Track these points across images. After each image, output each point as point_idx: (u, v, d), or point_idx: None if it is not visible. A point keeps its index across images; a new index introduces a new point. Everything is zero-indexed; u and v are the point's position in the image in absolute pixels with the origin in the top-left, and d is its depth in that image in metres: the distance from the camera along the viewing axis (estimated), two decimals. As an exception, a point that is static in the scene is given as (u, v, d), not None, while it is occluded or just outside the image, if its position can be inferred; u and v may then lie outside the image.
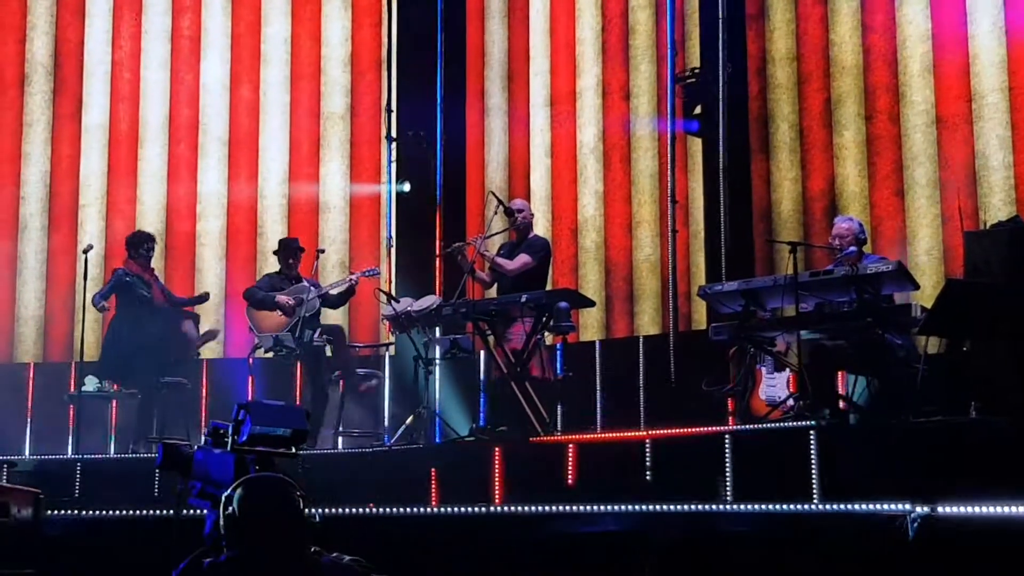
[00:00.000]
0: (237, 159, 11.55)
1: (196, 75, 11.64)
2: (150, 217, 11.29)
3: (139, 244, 9.51)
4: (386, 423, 9.66)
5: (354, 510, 5.72)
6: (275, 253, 9.41)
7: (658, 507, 5.66)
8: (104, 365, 9.53)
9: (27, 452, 9.66)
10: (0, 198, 11.45)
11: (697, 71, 9.95)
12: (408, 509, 5.81)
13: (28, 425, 10.09)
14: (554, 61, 11.18)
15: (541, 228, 10.01)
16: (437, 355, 8.45)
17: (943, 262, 9.09)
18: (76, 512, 5.64)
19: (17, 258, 11.36)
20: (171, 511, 5.34)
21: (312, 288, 9.00)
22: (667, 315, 10.01)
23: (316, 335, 8.95)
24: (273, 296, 9.00)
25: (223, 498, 3.51)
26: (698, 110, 9.92)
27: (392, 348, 9.86)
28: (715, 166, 9.69)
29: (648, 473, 6.57)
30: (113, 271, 9.49)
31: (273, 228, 11.37)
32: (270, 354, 8.96)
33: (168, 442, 5.67)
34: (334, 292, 9.16)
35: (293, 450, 5.69)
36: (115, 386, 9.37)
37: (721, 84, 9.65)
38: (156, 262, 10.51)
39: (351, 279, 9.16)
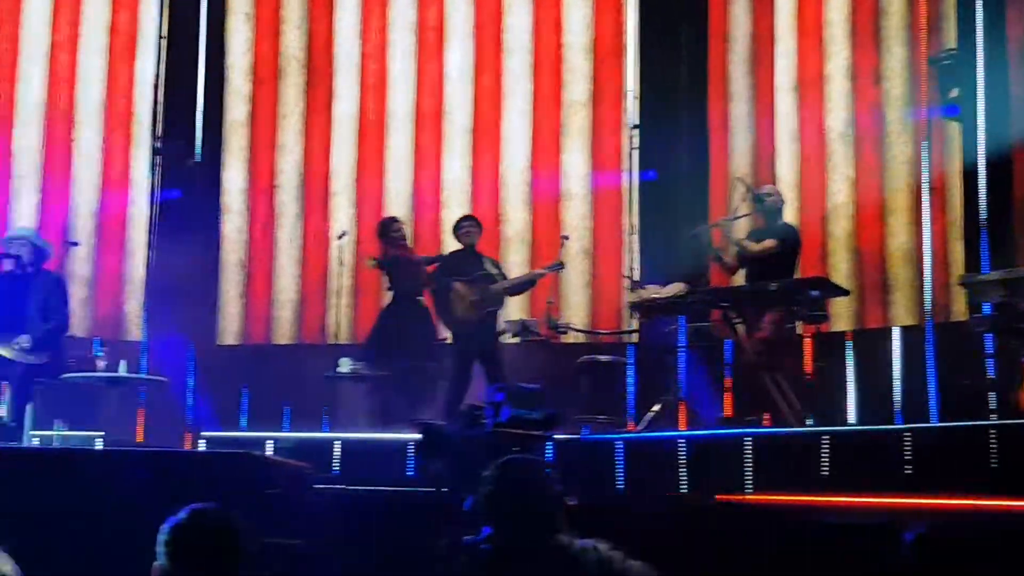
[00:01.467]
0: (480, 147, 11.72)
1: (440, 65, 11.86)
2: (397, 205, 11.58)
3: (385, 230, 9.90)
4: (631, 411, 9.63)
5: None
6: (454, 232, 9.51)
7: (916, 500, 5.47)
8: (367, 346, 9.93)
9: (287, 430, 10.05)
10: (258, 188, 11.97)
11: (953, 52, 9.53)
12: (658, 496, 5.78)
13: (287, 404, 10.47)
14: (800, 44, 10.90)
15: (789, 215, 9.78)
16: (682, 342, 8.39)
17: None
18: (338, 487, 5.82)
19: (274, 244, 11.84)
20: (429, 489, 5.48)
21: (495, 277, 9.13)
22: (923, 305, 9.65)
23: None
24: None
25: (482, 477, 3.56)
26: (955, 93, 9.50)
27: (635, 335, 9.83)
28: (973, 151, 9.27)
29: (907, 467, 6.34)
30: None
31: (515, 216, 11.49)
32: (516, 339, 9.07)
33: (425, 423, 5.81)
34: (515, 285, 9.28)
35: (547, 433, 5.76)
36: (369, 368, 9.68)
37: (979, 66, 9.22)
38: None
39: (537, 274, 9.25)
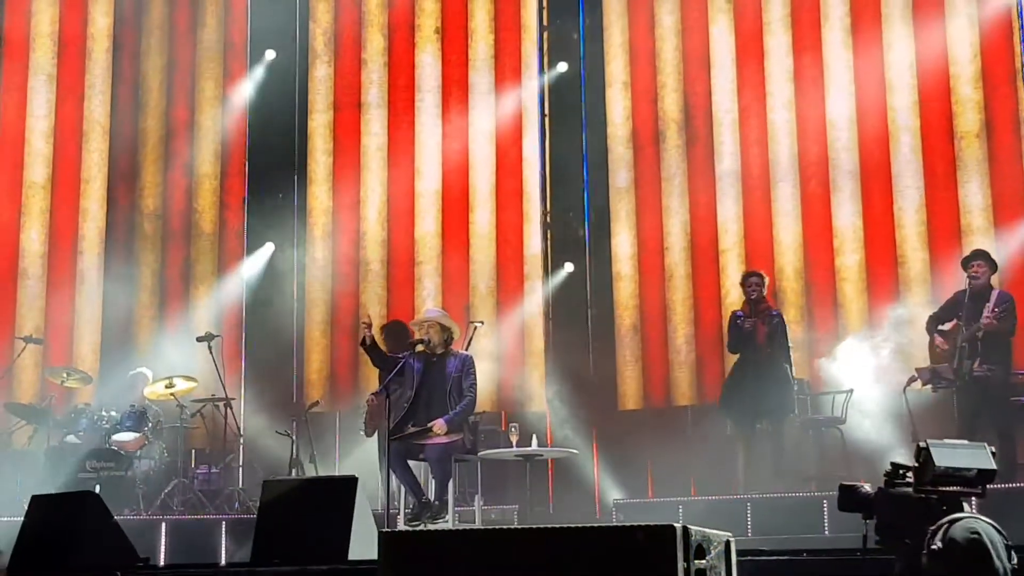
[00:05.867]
0: (869, 191, 11.28)
1: (822, 111, 11.55)
2: (788, 257, 11.35)
3: (743, 284, 9.75)
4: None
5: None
6: None
7: None
8: (722, 403, 9.79)
9: (691, 493, 9.98)
10: (647, 252, 12.06)
11: None
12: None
13: (689, 466, 10.41)
14: None
15: None
16: None
17: None
18: (758, 555, 5.67)
19: (666, 306, 11.87)
20: (854, 550, 5.24)
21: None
22: None
23: (976, 364, 8.43)
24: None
25: (929, 534, 3.35)
26: None
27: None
28: None
29: None
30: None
31: (913, 256, 10.97)
32: (927, 387, 8.60)
33: (847, 483, 5.56)
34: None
35: (980, 490, 5.35)
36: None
37: None
38: (798, 298, 10.58)
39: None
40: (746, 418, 9.57)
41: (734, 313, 9.87)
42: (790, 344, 9.71)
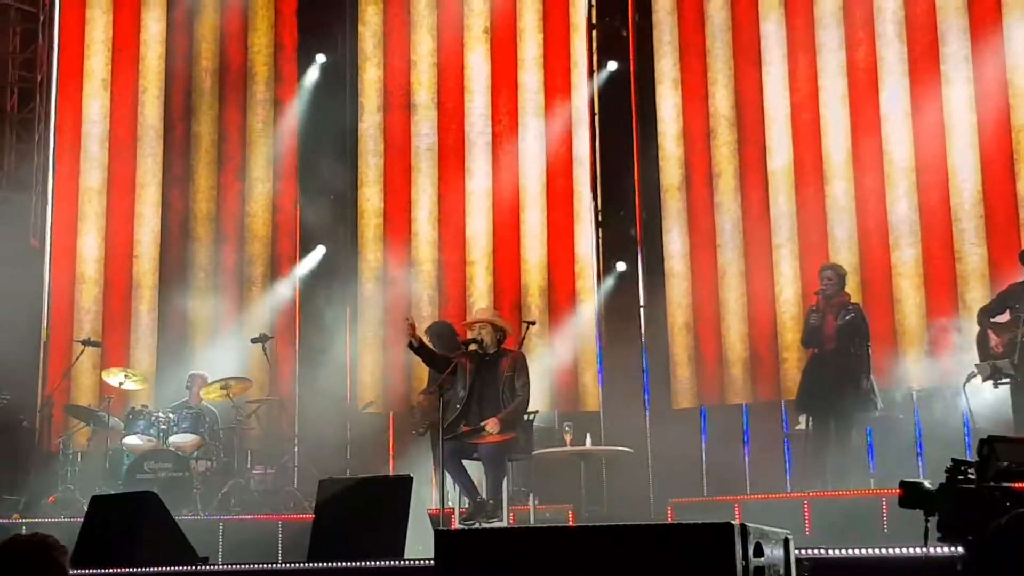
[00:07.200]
0: (925, 185, 11.14)
1: (876, 106, 11.43)
2: (842, 252, 11.23)
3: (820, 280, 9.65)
4: None
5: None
6: None
7: None
8: (799, 399, 9.69)
9: (747, 491, 9.92)
10: (699, 249, 12.00)
11: None
12: None
13: (746, 464, 10.35)
14: None
15: None
16: None
17: None
18: (814, 551, 5.61)
19: (719, 304, 11.80)
20: (917, 548, 5.18)
21: None
22: None
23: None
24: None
25: (990, 530, 3.30)
26: None
27: None
28: None
29: None
30: None
31: (970, 251, 10.82)
32: (988, 383, 8.49)
33: (908, 480, 5.49)
34: None
35: (1045, 486, 5.25)
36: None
37: None
38: (854, 294, 10.44)
39: None
40: (817, 414, 9.44)
41: (809, 307, 9.77)
42: (867, 341, 9.48)
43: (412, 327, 8.60)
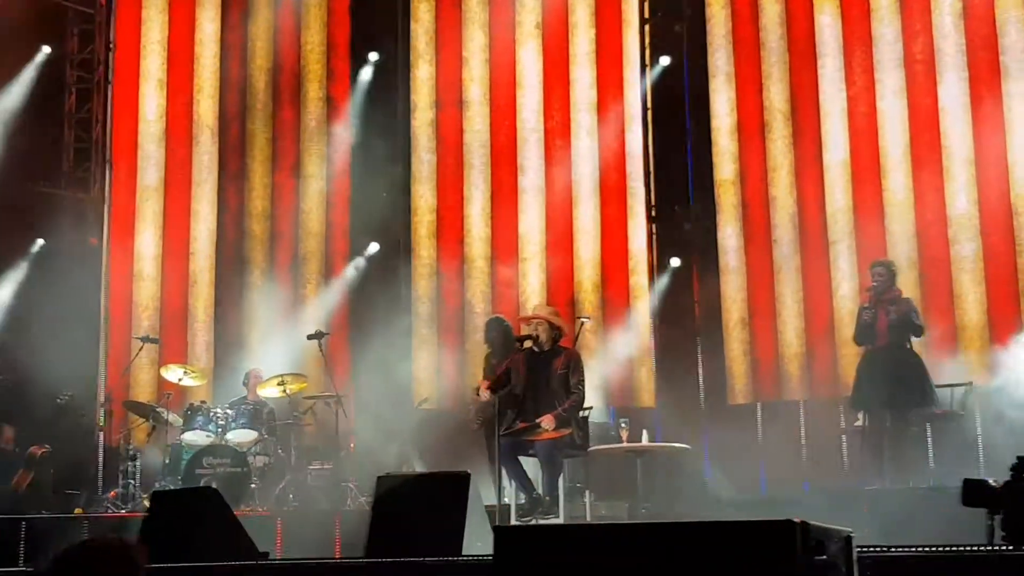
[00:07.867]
0: (985, 178, 10.99)
1: (934, 98, 11.30)
2: (900, 247, 11.11)
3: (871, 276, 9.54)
4: None
5: None
6: None
7: None
8: (854, 396, 9.60)
9: (804, 488, 9.84)
10: (755, 244, 11.92)
11: None
12: None
13: (802, 461, 10.28)
14: None
15: None
16: None
17: None
18: (876, 549, 5.55)
19: (775, 299, 11.72)
20: (981, 546, 5.11)
21: None
22: None
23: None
24: None
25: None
26: None
27: None
28: None
29: None
30: None
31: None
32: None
33: (972, 479, 5.42)
34: None
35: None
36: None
37: None
38: (912, 290, 10.32)
39: None
40: (872, 411, 9.34)
41: (861, 304, 9.67)
42: (919, 337, 9.37)
43: (479, 390, 8.64)
